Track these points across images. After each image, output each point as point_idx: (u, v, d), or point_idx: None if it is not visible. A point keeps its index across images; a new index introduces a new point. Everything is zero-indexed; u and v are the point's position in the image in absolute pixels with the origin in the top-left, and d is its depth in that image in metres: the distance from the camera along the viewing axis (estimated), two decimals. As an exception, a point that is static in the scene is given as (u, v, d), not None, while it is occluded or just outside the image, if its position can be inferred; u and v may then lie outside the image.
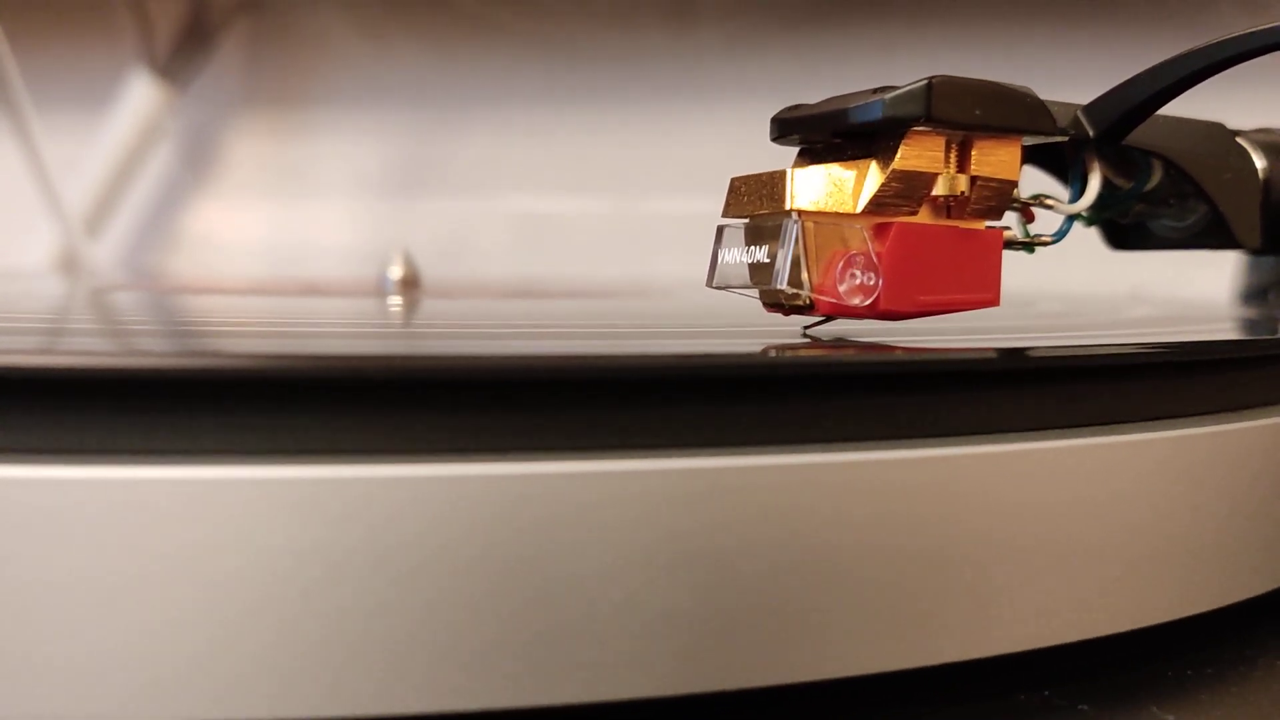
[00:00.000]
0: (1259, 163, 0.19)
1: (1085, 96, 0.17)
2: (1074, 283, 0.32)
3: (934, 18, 0.50)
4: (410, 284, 0.31)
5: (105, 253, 0.60)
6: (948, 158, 0.16)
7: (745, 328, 0.19)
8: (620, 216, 0.55)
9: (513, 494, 0.12)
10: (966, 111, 0.16)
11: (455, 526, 0.12)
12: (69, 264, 0.54)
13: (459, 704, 0.12)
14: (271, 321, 0.22)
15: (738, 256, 0.17)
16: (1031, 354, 0.16)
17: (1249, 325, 0.27)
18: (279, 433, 0.12)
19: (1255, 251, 0.19)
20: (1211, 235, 0.19)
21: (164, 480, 0.12)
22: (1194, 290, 0.37)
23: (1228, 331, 0.25)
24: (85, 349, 0.14)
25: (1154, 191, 0.19)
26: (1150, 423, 0.16)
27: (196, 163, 0.62)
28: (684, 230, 0.52)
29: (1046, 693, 0.15)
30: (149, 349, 0.16)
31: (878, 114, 0.16)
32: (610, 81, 0.55)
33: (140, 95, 0.57)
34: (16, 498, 0.12)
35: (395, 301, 0.29)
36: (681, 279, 0.44)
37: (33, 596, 0.12)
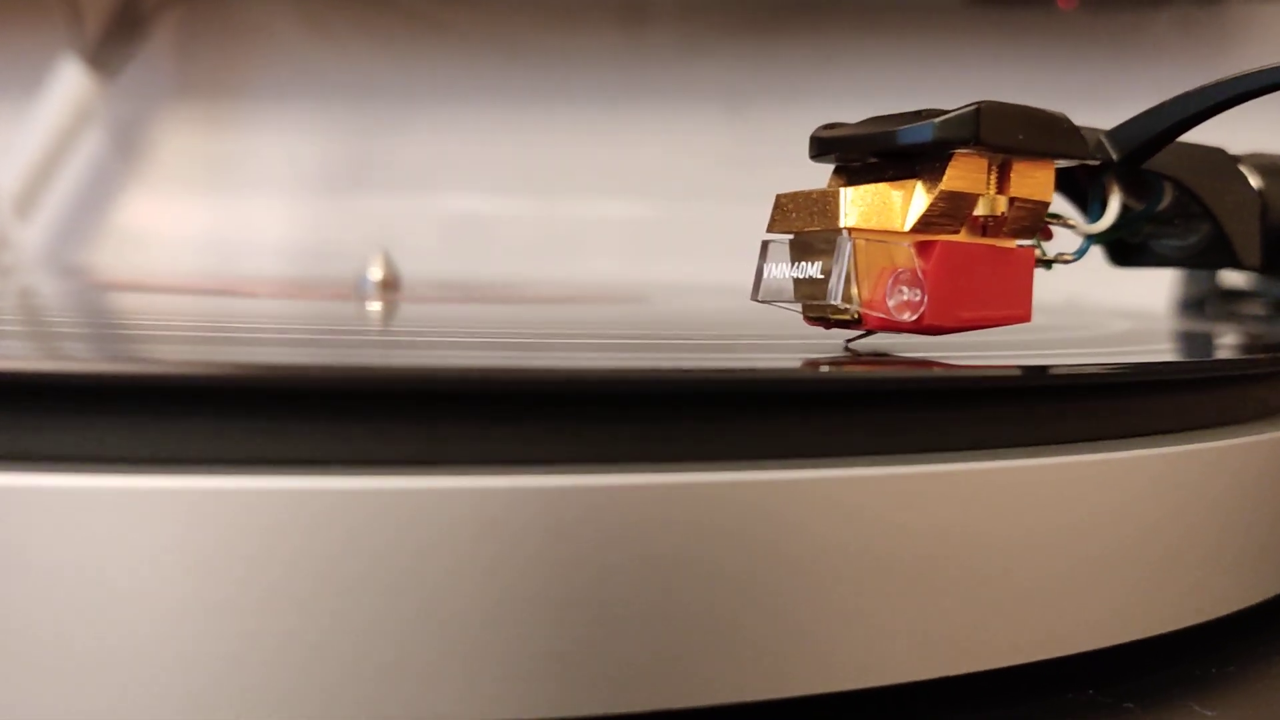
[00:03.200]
0: (1256, 185, 0.20)
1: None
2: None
3: (871, 29, 0.51)
4: (390, 286, 0.31)
5: (32, 244, 0.58)
6: (989, 179, 0.17)
7: (750, 340, 0.20)
8: (562, 218, 0.55)
9: (497, 507, 0.12)
10: (1010, 135, 0.17)
11: (441, 536, 0.12)
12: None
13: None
14: (247, 326, 0.21)
15: (784, 271, 0.17)
16: (1056, 371, 0.17)
17: (1233, 342, 0.28)
18: (211, 441, 0.12)
19: (1255, 269, 0.20)
20: (1212, 254, 0.20)
21: (92, 488, 0.12)
22: (1125, 300, 0.39)
23: (1217, 347, 0.26)
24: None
25: (1162, 212, 0.20)
26: (1177, 435, 0.17)
27: (127, 154, 0.60)
28: (628, 233, 0.53)
29: (1091, 691, 0.16)
30: (74, 354, 0.16)
31: (928, 136, 0.16)
32: (556, 82, 0.55)
33: (69, 83, 0.55)
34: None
35: (374, 305, 0.29)
36: (653, 283, 0.44)
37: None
